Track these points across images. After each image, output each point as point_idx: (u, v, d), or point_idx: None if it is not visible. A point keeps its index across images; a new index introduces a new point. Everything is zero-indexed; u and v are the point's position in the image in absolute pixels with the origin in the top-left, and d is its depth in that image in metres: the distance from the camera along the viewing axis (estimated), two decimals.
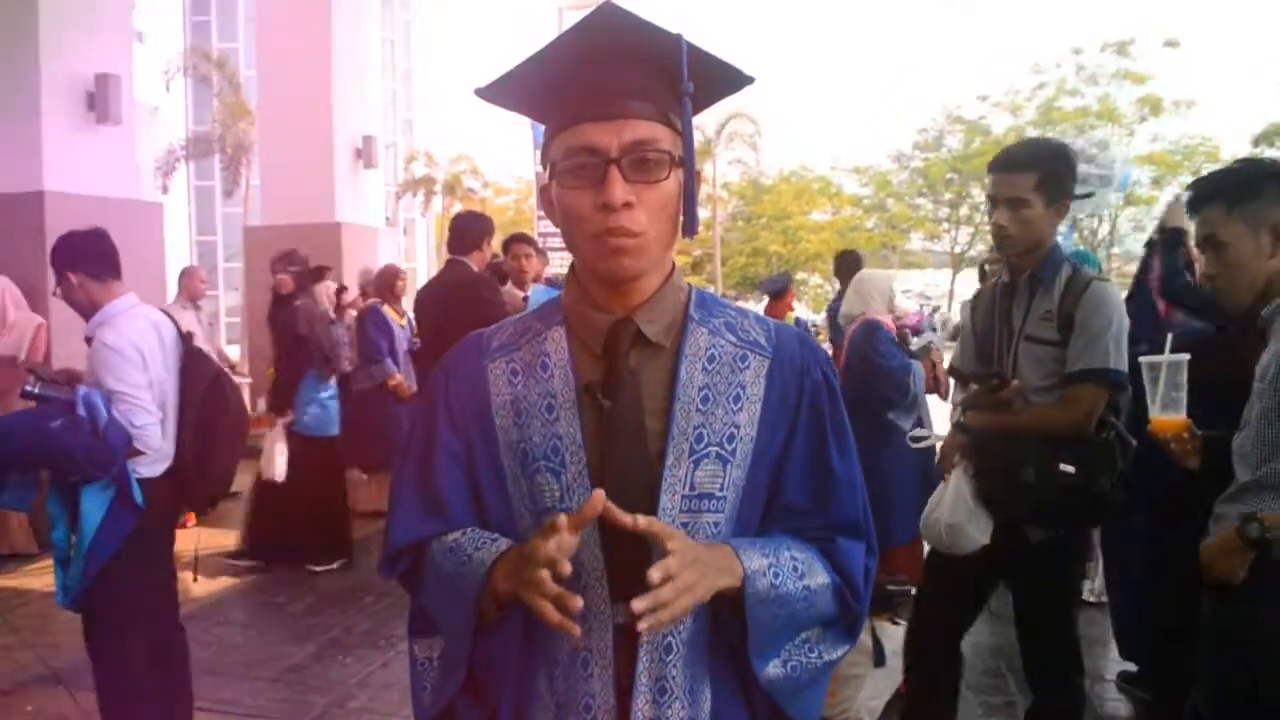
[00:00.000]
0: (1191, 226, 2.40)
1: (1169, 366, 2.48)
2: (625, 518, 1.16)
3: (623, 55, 1.26)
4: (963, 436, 2.94)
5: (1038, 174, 2.75)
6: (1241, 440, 2.22)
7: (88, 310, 3.28)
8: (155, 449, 3.18)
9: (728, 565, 1.24)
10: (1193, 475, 2.44)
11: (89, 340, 3.23)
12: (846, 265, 7.78)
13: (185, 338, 3.43)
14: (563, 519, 1.15)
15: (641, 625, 1.12)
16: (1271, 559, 2.16)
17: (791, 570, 1.30)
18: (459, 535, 1.35)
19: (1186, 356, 2.49)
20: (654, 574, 1.12)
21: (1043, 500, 2.71)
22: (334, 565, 6.21)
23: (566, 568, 1.14)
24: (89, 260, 3.25)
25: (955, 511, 2.83)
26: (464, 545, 1.33)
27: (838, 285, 7.57)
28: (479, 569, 1.29)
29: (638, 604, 1.11)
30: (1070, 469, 2.67)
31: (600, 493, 1.17)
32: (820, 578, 1.33)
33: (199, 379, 3.36)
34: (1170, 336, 2.56)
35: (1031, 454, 2.72)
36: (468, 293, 4.90)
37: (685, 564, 1.15)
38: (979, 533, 2.81)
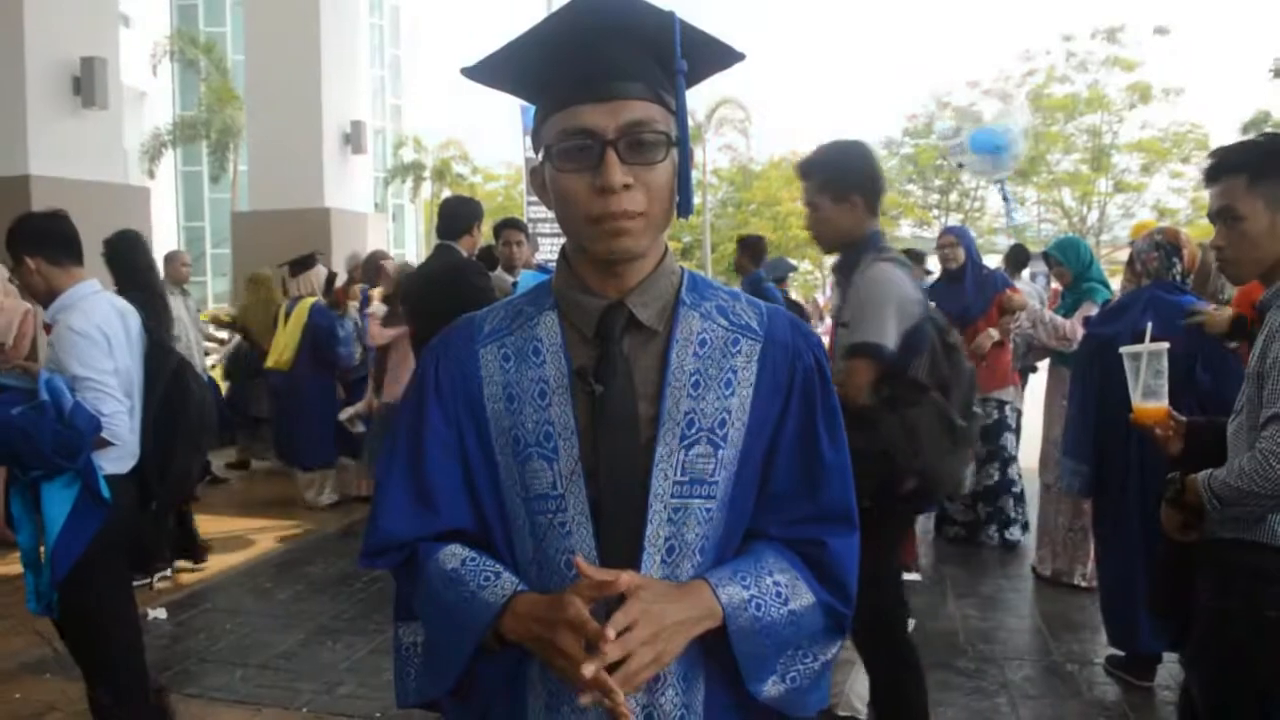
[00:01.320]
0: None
1: (1149, 355, 2.50)
2: (611, 582, 1.18)
3: (617, 34, 1.24)
4: None
5: (819, 178, 3.01)
6: (1237, 425, 2.22)
7: (45, 296, 3.12)
8: (124, 440, 3.03)
9: (704, 609, 1.24)
10: (1177, 461, 2.45)
11: (48, 327, 3.09)
12: (756, 250, 7.87)
13: (149, 329, 3.30)
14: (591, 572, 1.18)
15: (583, 699, 1.14)
16: (1210, 536, 2.21)
17: (775, 597, 1.29)
18: (457, 563, 1.31)
19: (1166, 345, 2.51)
20: (609, 633, 1.13)
21: None
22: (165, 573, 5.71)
23: (611, 644, 1.14)
24: (49, 244, 3.10)
25: None
26: (465, 578, 1.30)
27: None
28: (484, 611, 1.26)
29: (587, 669, 1.12)
30: None
31: (580, 559, 1.20)
32: (805, 598, 1.33)
33: (161, 372, 3.22)
34: (1149, 325, 2.58)
35: None
36: (454, 278, 4.87)
37: (642, 640, 1.15)
38: None
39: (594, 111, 1.22)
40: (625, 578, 1.18)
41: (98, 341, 2.99)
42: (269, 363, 7.49)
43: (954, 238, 6.32)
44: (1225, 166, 2.25)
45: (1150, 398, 2.50)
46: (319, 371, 7.37)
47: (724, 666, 1.30)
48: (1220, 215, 2.25)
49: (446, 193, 40.29)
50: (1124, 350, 2.56)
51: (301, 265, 7.60)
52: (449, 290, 4.75)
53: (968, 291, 6.01)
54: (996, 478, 6.07)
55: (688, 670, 1.29)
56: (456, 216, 5.09)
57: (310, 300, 7.39)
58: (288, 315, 7.46)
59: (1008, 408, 5.98)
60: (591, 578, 1.17)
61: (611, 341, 1.30)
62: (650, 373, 1.31)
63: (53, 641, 3.94)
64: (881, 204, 3.10)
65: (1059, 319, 5.37)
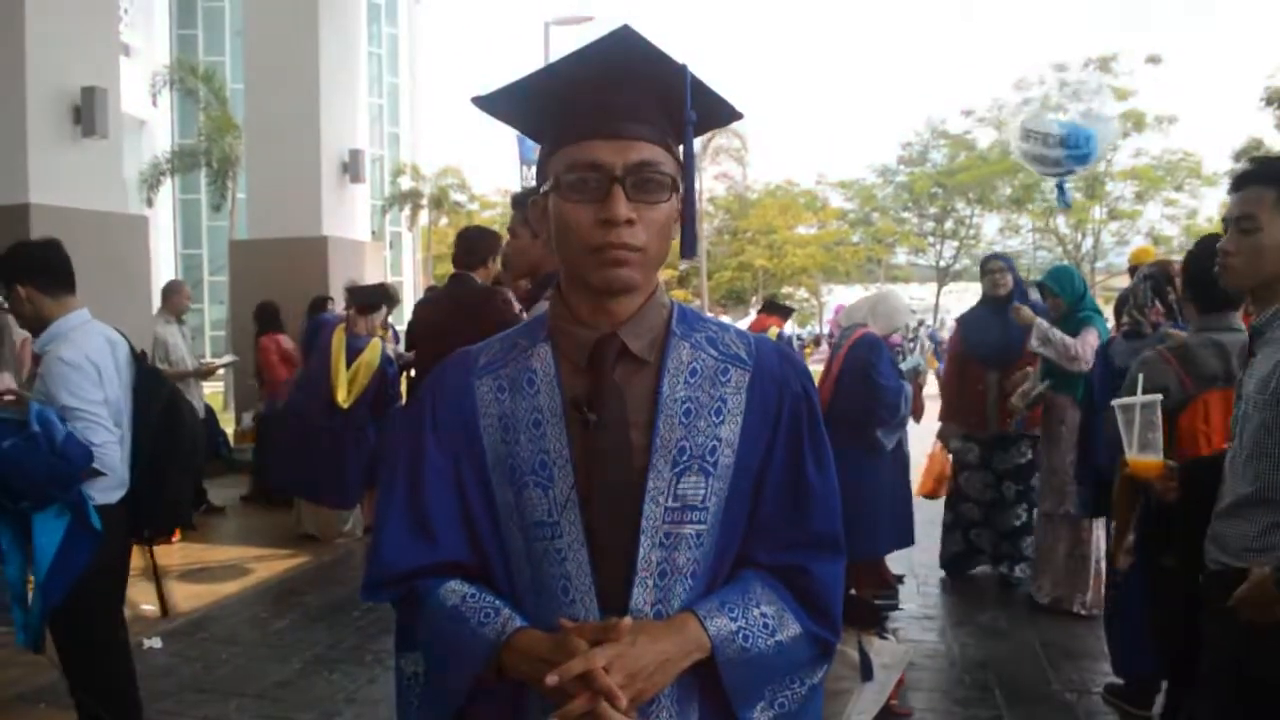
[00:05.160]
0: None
1: (1142, 407, 2.49)
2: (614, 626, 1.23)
3: (634, 78, 1.29)
4: None
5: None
6: (1235, 452, 2.21)
7: (35, 325, 3.13)
8: (114, 470, 3.04)
9: (692, 643, 1.27)
10: (1176, 507, 2.45)
11: (36, 357, 3.10)
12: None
13: (140, 357, 3.30)
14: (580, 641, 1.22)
15: None
16: (1216, 566, 2.18)
17: (762, 628, 1.32)
18: (458, 600, 1.33)
19: (1159, 397, 2.51)
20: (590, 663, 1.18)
21: None
22: None
23: (622, 701, 1.18)
24: (41, 273, 3.10)
25: None
26: (465, 615, 1.31)
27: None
28: (484, 648, 1.29)
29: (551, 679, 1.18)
30: None
31: (565, 622, 1.25)
32: (792, 629, 1.35)
33: (153, 400, 3.21)
34: (1140, 377, 2.57)
35: None
36: (480, 303, 4.84)
37: (618, 684, 1.19)
38: None
39: (605, 148, 1.27)
40: (625, 624, 1.22)
41: (88, 372, 3.00)
42: (342, 400, 6.79)
43: (1003, 263, 6.03)
44: (1257, 176, 2.27)
45: (1146, 450, 2.49)
46: (372, 412, 6.95)
47: (718, 691, 1.31)
48: (1238, 222, 2.26)
49: (444, 221, 40.47)
50: (1115, 403, 2.56)
51: (371, 306, 7.10)
52: (472, 316, 4.73)
53: (1011, 324, 5.57)
54: (1024, 519, 5.89)
55: (682, 694, 1.31)
56: (476, 246, 5.10)
57: (379, 343, 6.97)
58: (352, 353, 6.85)
59: (1038, 444, 5.72)
60: (586, 637, 1.22)
61: (604, 372, 1.33)
62: (642, 402, 1.34)
63: (53, 671, 3.95)
64: None
65: (1067, 338, 5.24)
